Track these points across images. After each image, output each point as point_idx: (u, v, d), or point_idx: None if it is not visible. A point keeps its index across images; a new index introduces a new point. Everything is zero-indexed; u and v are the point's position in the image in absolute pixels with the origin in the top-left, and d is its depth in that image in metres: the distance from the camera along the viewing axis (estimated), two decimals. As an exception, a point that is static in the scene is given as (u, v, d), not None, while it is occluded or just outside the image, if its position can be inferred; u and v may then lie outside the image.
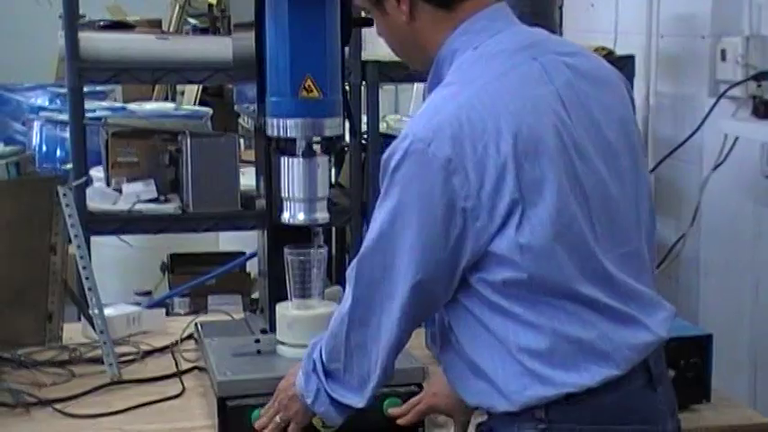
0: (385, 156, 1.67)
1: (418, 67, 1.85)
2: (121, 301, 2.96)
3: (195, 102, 6.76)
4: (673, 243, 3.56)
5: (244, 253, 4.21)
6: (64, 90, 3.90)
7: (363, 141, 3.62)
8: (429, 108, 1.68)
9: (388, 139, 3.89)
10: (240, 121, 5.69)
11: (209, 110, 6.19)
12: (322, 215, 2.16)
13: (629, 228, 1.74)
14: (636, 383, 1.71)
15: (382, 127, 4.03)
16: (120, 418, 2.17)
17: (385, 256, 1.67)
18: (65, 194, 2.41)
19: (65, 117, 4.35)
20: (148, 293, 4.27)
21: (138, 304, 3.06)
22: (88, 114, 3.92)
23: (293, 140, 2.12)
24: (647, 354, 1.72)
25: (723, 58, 3.24)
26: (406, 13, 1.74)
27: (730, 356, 2.89)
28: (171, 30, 6.56)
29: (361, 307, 1.72)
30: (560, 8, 3.97)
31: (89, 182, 3.72)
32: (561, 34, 3.64)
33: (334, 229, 4.11)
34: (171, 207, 3.71)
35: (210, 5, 6.29)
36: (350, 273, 1.73)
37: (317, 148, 2.14)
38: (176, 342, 2.54)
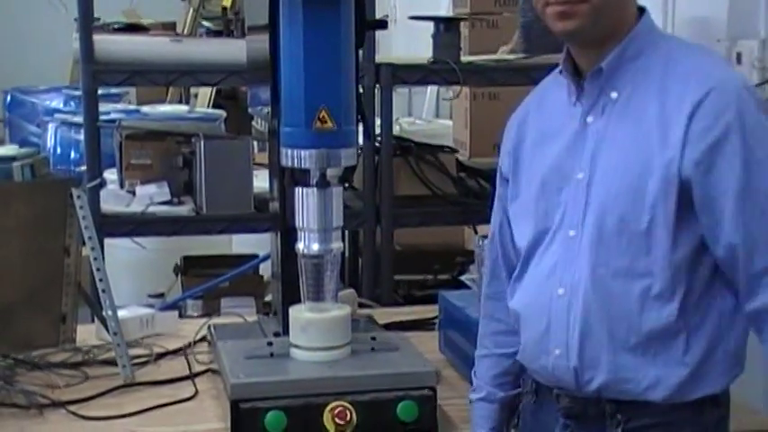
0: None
1: (607, 25, 1.78)
2: (135, 303, 2.97)
3: (209, 104, 6.78)
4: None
5: (257, 255, 4.21)
6: (78, 92, 3.92)
7: (377, 144, 3.62)
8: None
9: (402, 141, 3.91)
10: (254, 123, 5.70)
11: (222, 112, 6.22)
12: (336, 245, 2.17)
13: None
14: None
15: (396, 130, 4.03)
16: (133, 420, 2.17)
17: None
18: (79, 197, 2.41)
19: (79, 119, 4.38)
20: (162, 296, 4.27)
21: (151, 306, 3.07)
22: (102, 117, 3.93)
23: (307, 171, 2.12)
24: None
25: (739, 61, 3.22)
26: None
27: (746, 362, 2.87)
28: (185, 32, 6.57)
29: None
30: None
31: (103, 184, 3.73)
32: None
33: (347, 232, 4.11)
34: (184, 209, 3.72)
35: (224, 8, 6.31)
36: None
37: (331, 177, 2.14)
38: (189, 344, 2.54)
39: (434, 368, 2.12)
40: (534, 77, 3.52)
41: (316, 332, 2.13)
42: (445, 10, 4.96)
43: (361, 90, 2.21)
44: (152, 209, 3.70)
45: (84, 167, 3.70)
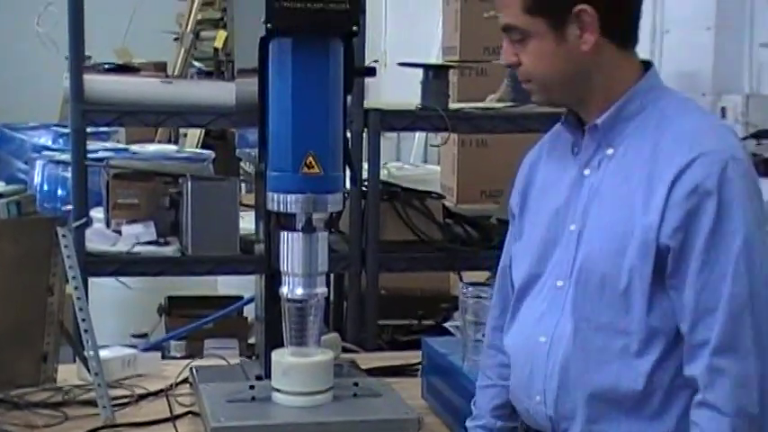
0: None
1: (562, 97, 1.82)
2: (118, 343, 2.96)
3: (198, 144, 6.79)
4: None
5: (242, 297, 4.20)
6: (67, 130, 3.92)
7: (364, 188, 3.63)
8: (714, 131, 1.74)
9: (389, 186, 3.92)
10: (241, 165, 5.70)
11: (211, 153, 6.22)
12: (321, 289, 2.17)
13: None
14: None
15: (384, 174, 4.04)
16: (113, 461, 2.16)
17: None
18: (64, 236, 2.41)
19: (67, 157, 4.38)
20: (145, 336, 4.24)
21: (134, 347, 3.05)
22: (90, 155, 3.93)
23: (293, 215, 2.13)
24: None
25: (723, 115, 3.26)
26: (591, 43, 1.72)
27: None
28: (176, 72, 6.59)
29: None
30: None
31: (89, 223, 3.72)
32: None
33: (332, 275, 4.11)
34: (170, 250, 3.71)
35: (216, 49, 6.34)
36: None
37: (317, 222, 2.15)
38: (171, 386, 2.53)
39: (417, 415, 2.12)
40: (522, 125, 3.59)
41: (298, 376, 2.13)
42: (435, 57, 5.00)
43: (348, 135, 2.22)
44: (138, 248, 3.70)
45: (70, 206, 3.70)
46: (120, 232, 3.77)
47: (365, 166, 3.64)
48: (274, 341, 2.23)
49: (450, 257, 3.76)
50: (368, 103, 3.67)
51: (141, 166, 4.29)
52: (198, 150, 6.53)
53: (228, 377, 2.34)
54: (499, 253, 2.00)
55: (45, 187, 6.50)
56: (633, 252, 1.69)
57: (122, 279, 4.13)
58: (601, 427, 1.75)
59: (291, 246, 2.13)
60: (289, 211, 2.11)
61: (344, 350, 2.83)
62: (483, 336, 2.10)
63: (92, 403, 2.40)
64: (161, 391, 2.52)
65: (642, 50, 3.80)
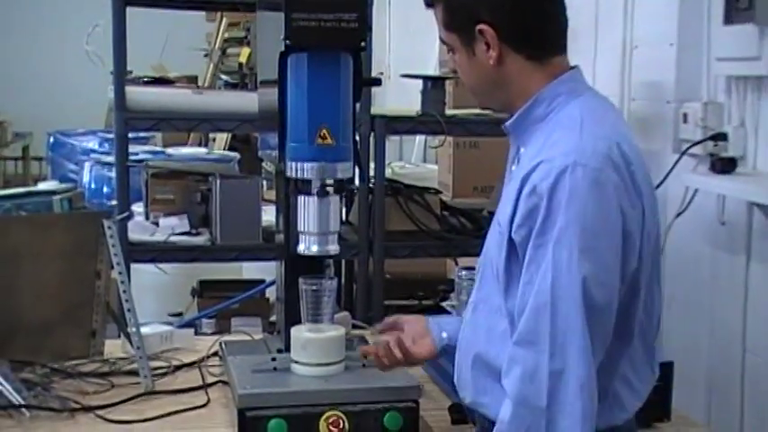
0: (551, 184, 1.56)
1: (491, 103, 1.83)
2: (156, 321, 2.95)
3: (225, 147, 6.78)
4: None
5: (264, 281, 4.20)
6: (111, 136, 3.92)
7: (371, 185, 3.62)
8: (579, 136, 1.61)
9: (393, 183, 3.91)
10: (264, 165, 5.70)
11: (236, 155, 6.22)
12: (333, 247, 2.16)
13: None
14: None
15: (388, 173, 4.04)
16: (152, 424, 2.16)
17: None
18: (109, 227, 2.41)
19: (111, 159, 4.37)
20: (180, 315, 4.26)
21: (170, 324, 3.05)
22: (132, 157, 3.93)
23: (309, 181, 2.12)
24: None
25: (685, 120, 3.24)
26: (495, 57, 1.68)
27: (689, 381, 2.87)
28: (206, 84, 6.60)
29: None
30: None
31: (131, 216, 3.72)
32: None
33: (343, 261, 4.11)
34: (201, 239, 3.71)
35: (240, 64, 6.34)
36: None
37: (329, 188, 2.15)
38: (203, 358, 2.53)
39: (418, 383, 2.11)
40: (509, 130, 3.58)
41: (314, 350, 2.12)
42: (433, 69, 4.99)
43: (357, 138, 2.22)
44: (173, 238, 3.69)
45: (114, 201, 3.70)
46: (157, 224, 3.78)
47: (372, 165, 3.64)
48: (293, 319, 2.22)
49: (447, 245, 3.76)
50: (374, 110, 3.67)
51: (176, 167, 4.29)
52: (225, 152, 6.53)
53: (253, 351, 2.33)
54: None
55: (92, 186, 6.50)
56: (502, 242, 1.65)
57: (160, 265, 4.13)
58: (482, 399, 1.74)
59: (307, 208, 2.13)
60: (305, 177, 2.10)
61: (354, 327, 2.82)
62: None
63: (134, 373, 2.40)
64: (194, 362, 2.52)
65: (614, 64, 3.80)
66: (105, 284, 2.49)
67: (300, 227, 2.15)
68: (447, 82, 3.83)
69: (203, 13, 7.21)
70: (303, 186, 2.14)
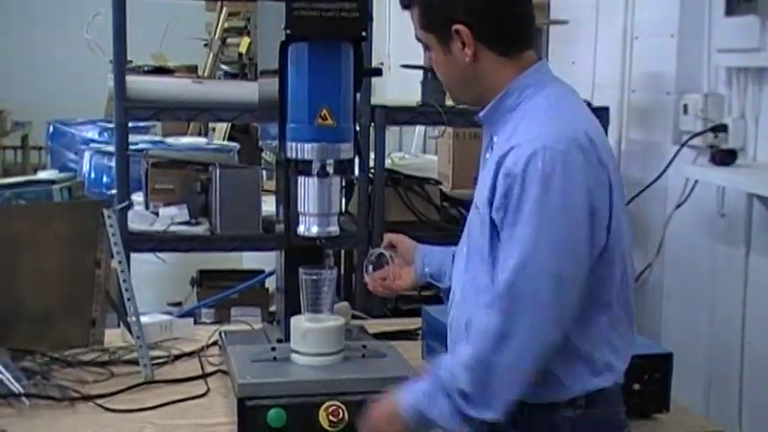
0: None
1: (465, 98, 1.90)
2: (156, 311, 2.95)
3: (225, 137, 6.76)
4: (640, 272, 3.56)
5: (264, 271, 4.20)
6: (111, 125, 3.91)
7: (371, 176, 3.62)
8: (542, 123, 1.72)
9: (393, 174, 3.91)
10: (263, 155, 5.69)
11: (236, 145, 6.20)
12: (333, 228, 2.16)
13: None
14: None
15: (388, 163, 4.04)
16: (152, 413, 2.16)
17: None
18: (109, 216, 2.41)
19: (111, 149, 4.36)
20: (179, 304, 4.26)
21: (170, 314, 3.05)
22: (131, 147, 3.93)
23: (309, 163, 2.12)
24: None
25: (685, 111, 3.24)
26: (470, 55, 1.78)
27: (688, 372, 2.87)
28: (205, 75, 6.57)
29: None
30: (545, 65, 3.98)
31: (130, 206, 3.72)
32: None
33: (343, 251, 4.11)
34: (201, 229, 3.71)
35: (240, 54, 6.32)
36: None
37: (330, 169, 2.14)
38: (203, 348, 2.53)
39: (417, 373, 2.11)
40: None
41: (314, 340, 2.12)
42: (432, 60, 4.97)
43: (357, 128, 2.21)
44: (173, 228, 3.69)
45: (114, 191, 3.70)
46: (157, 214, 3.77)
47: (372, 155, 3.63)
48: (293, 309, 2.22)
49: (447, 236, 3.70)
50: (374, 101, 3.66)
51: (175, 156, 4.28)
52: (225, 142, 6.51)
53: (253, 340, 2.34)
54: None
55: (92, 175, 6.49)
56: (484, 222, 1.75)
57: (159, 255, 4.13)
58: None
59: (307, 189, 2.12)
60: (305, 158, 2.10)
61: (354, 317, 2.83)
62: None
63: (134, 362, 2.40)
64: (194, 352, 2.52)
65: (614, 55, 3.80)
66: (105, 274, 2.49)
67: (300, 208, 2.15)
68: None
69: (203, 2, 7.18)
70: (303, 167, 2.13)
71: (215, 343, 2.54)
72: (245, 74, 5.94)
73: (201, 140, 6.38)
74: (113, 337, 2.59)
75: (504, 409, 1.70)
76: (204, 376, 2.35)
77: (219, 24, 7.08)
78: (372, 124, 3.60)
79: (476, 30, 1.77)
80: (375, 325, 2.77)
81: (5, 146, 9.86)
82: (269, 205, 3.39)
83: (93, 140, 7.38)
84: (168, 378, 2.36)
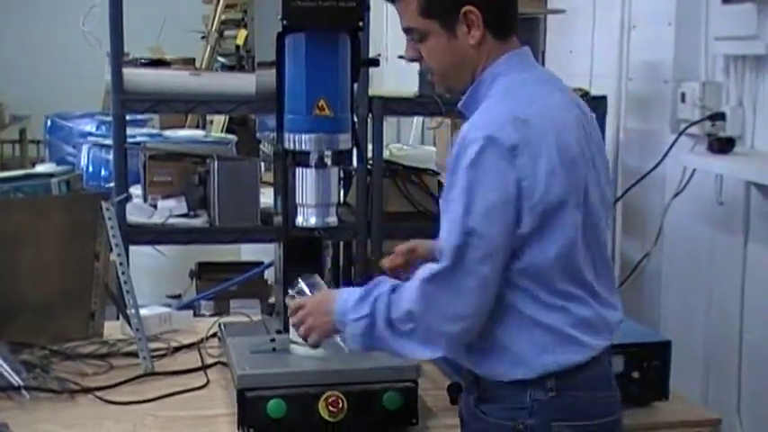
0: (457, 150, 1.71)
1: (458, 84, 1.87)
2: (155, 303, 2.96)
3: (222, 130, 6.75)
4: (638, 260, 3.56)
5: (262, 263, 4.20)
6: (109, 118, 3.92)
7: (369, 167, 3.62)
8: (489, 111, 1.76)
9: (391, 164, 3.91)
10: (261, 147, 5.68)
11: (234, 137, 6.19)
12: (332, 219, 2.16)
13: (605, 228, 1.85)
14: (606, 358, 1.81)
15: (386, 154, 4.03)
16: (152, 405, 2.16)
17: None
18: (107, 209, 2.41)
19: (109, 142, 4.35)
20: (178, 297, 4.26)
21: (169, 306, 3.06)
22: (129, 139, 3.92)
23: (307, 153, 2.12)
24: (616, 330, 1.83)
25: (683, 100, 3.24)
26: (477, 38, 1.78)
27: (686, 360, 2.88)
28: (203, 67, 6.56)
29: None
30: (543, 54, 3.98)
31: (129, 198, 3.72)
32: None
33: (341, 243, 4.11)
34: (199, 221, 3.71)
35: (237, 46, 6.31)
36: None
37: (328, 160, 2.14)
38: (202, 340, 2.54)
39: (416, 363, 2.11)
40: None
41: (312, 330, 2.12)
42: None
43: (355, 119, 2.21)
44: (171, 221, 3.70)
45: (112, 184, 3.69)
46: (155, 206, 3.77)
47: (370, 146, 3.63)
48: (292, 300, 2.22)
49: (445, 226, 3.74)
50: (372, 92, 3.66)
51: (173, 149, 4.28)
52: (223, 135, 6.50)
53: (252, 332, 2.34)
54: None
55: (90, 168, 6.48)
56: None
57: (158, 247, 4.13)
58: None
59: (305, 180, 2.12)
60: (303, 149, 2.10)
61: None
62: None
63: (133, 354, 2.41)
64: (193, 344, 2.53)
65: (612, 44, 3.79)
66: (104, 266, 2.49)
67: (299, 199, 2.15)
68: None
69: (200, -5, 7.19)
70: (301, 158, 2.13)
71: (214, 335, 2.54)
72: (243, 66, 5.92)
73: (199, 133, 6.37)
74: (113, 329, 2.59)
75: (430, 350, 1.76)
76: (204, 368, 2.35)
77: (216, 16, 7.06)
78: (370, 115, 3.60)
79: (485, 12, 1.77)
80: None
81: (3, 140, 9.85)
82: (267, 197, 3.40)
83: (90, 134, 7.37)
84: (168, 370, 2.36)
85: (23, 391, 2.17)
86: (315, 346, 1.95)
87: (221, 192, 3.62)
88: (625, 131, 3.69)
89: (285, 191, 2.26)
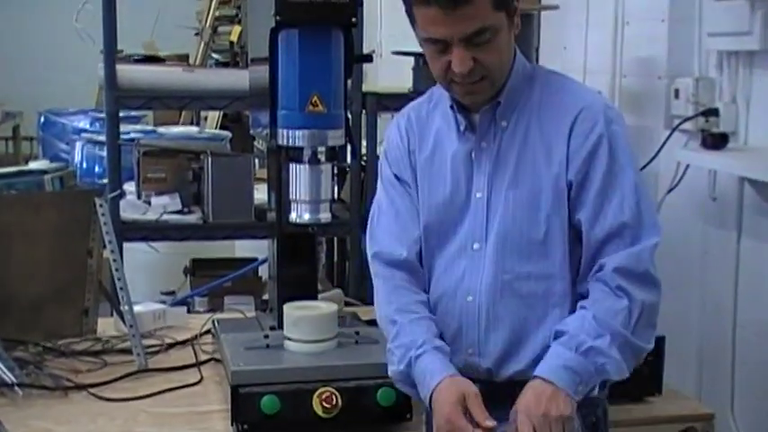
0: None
1: (500, 83, 1.78)
2: (149, 300, 2.95)
3: (216, 126, 6.76)
4: (631, 256, 3.55)
5: (256, 259, 4.20)
6: (102, 115, 3.90)
7: (363, 163, 3.62)
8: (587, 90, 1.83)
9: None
10: (255, 143, 5.69)
11: (228, 133, 6.20)
12: (325, 215, 2.16)
13: None
14: None
15: (379, 150, 4.03)
16: (146, 401, 2.16)
17: None
18: (101, 205, 2.41)
19: (103, 138, 4.35)
20: (172, 293, 4.25)
21: (163, 302, 3.05)
22: (123, 136, 3.92)
23: (300, 149, 2.12)
24: None
25: (676, 96, 3.24)
26: (518, 25, 1.76)
27: (680, 356, 2.88)
28: (196, 63, 6.56)
29: None
30: (537, 50, 3.98)
31: (122, 195, 3.72)
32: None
33: (335, 239, 4.11)
34: (193, 218, 3.71)
35: (231, 42, 6.31)
36: None
37: (321, 156, 2.14)
38: (196, 336, 2.54)
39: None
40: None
41: (306, 326, 2.13)
42: (424, 47, 4.96)
43: (349, 116, 2.21)
44: (165, 217, 3.69)
45: (106, 180, 3.69)
46: (149, 203, 3.77)
47: (363, 143, 3.63)
48: (285, 297, 2.22)
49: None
50: (366, 88, 3.66)
51: (167, 145, 4.28)
52: (216, 131, 6.51)
53: (246, 328, 2.34)
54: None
55: (84, 165, 6.48)
56: (547, 203, 1.72)
57: (152, 244, 4.13)
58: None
59: (299, 176, 2.13)
60: (296, 144, 2.10)
61: (347, 304, 2.83)
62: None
63: (127, 351, 2.41)
64: (187, 340, 2.53)
65: (605, 40, 3.78)
66: (97, 263, 2.48)
67: (292, 195, 2.15)
68: (438, 59, 3.80)
69: (194, -9, 7.18)
70: (294, 154, 2.13)
71: (208, 331, 2.54)
72: (237, 62, 5.93)
73: (193, 129, 6.37)
74: (106, 326, 2.59)
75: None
76: (198, 364, 2.35)
77: (210, 13, 7.06)
78: (364, 111, 3.59)
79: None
80: (368, 312, 2.76)
81: (-4, 137, 9.84)
82: (261, 193, 3.39)
83: (84, 130, 7.37)
84: (162, 366, 2.36)
85: (17, 388, 2.17)
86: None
87: (215, 188, 3.62)
88: (619, 127, 3.68)
89: (278, 186, 2.26)
